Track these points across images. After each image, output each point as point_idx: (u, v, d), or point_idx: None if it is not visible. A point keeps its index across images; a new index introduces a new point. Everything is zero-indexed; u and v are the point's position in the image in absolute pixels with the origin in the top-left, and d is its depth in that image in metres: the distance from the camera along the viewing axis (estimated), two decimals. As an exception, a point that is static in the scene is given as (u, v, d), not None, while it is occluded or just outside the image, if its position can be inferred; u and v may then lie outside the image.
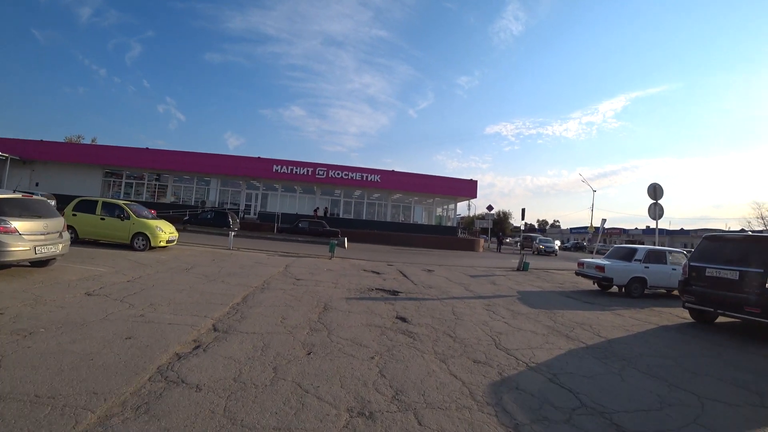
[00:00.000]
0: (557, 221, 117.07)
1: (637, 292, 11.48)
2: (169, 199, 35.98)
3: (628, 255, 11.91)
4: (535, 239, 38.63)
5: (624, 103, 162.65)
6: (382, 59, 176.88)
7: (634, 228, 75.15)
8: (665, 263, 11.74)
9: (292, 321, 6.05)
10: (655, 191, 16.11)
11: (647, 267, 11.52)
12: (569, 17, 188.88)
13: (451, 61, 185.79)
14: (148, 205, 31.31)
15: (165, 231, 14.13)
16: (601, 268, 11.42)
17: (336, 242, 16.56)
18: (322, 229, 26.42)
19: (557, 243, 37.79)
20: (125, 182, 36.34)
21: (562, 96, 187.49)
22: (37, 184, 35.34)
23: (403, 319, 6.64)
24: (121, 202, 14.49)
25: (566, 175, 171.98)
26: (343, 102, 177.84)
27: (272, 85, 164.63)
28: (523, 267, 17.59)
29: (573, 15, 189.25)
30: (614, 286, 11.81)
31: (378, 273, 12.64)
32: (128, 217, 13.75)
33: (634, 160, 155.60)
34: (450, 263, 18.58)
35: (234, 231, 24.91)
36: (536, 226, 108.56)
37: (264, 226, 29.71)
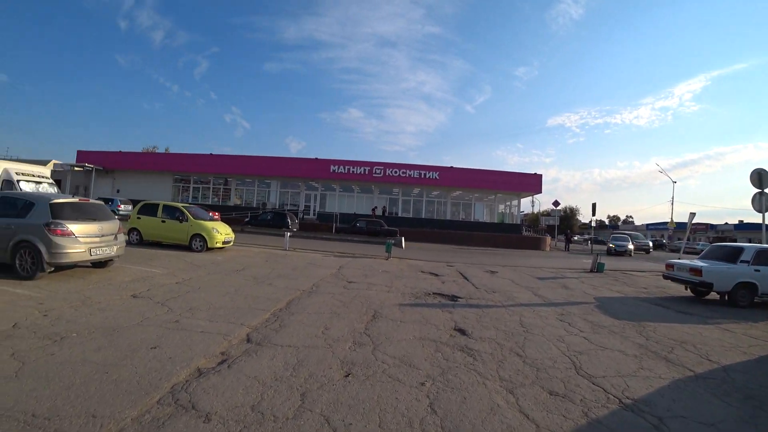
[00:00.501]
0: (630, 217, 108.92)
1: (744, 300, 9.70)
2: (232, 201, 37.19)
3: (732, 255, 10.13)
4: (611, 236, 35.24)
5: (704, 84, 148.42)
6: (436, 56, 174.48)
7: (723, 223, 67.96)
8: (781, 266, 9.87)
9: (334, 332, 5.38)
10: (760, 178, 13.84)
11: (758, 270, 9.69)
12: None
13: (507, 52, 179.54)
14: (212, 207, 32.53)
15: (221, 232, 14.15)
16: (697, 270, 9.77)
17: (393, 242, 15.87)
18: (379, 229, 25.88)
19: (651, 241, 33.39)
20: (193, 187, 38.05)
21: (631, 81, 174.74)
22: (118, 191, 38.00)
23: (462, 332, 5.76)
24: (179, 204, 14.73)
25: (639, 167, 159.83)
26: (399, 101, 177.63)
27: (329, 89, 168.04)
28: (597, 268, 15.92)
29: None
30: (713, 293, 10.09)
31: (436, 275, 11.77)
32: (186, 219, 13.93)
33: (718, 146, 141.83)
34: (514, 263, 17.26)
35: (292, 231, 25.12)
36: (607, 223, 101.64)
37: (322, 227, 29.73)
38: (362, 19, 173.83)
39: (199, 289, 7.68)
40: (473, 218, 36.37)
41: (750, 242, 55.16)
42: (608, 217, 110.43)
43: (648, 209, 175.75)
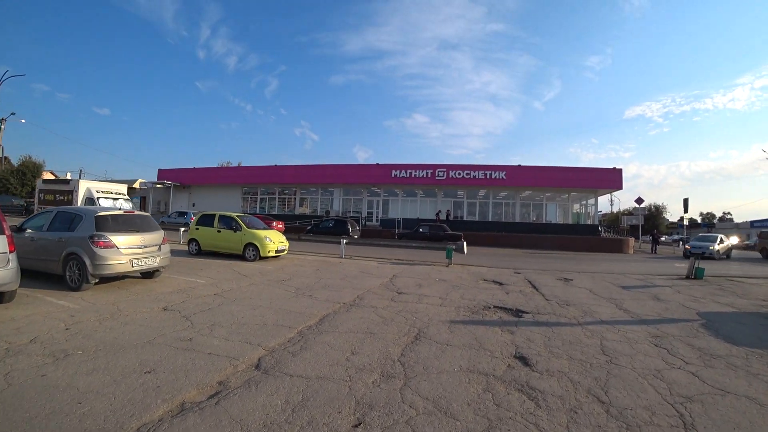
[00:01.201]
0: (728, 213, 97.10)
1: None
2: (297, 210, 37.76)
3: None
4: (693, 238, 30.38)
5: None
6: (500, 54, 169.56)
7: None
8: None
9: (362, 357, 4.47)
10: None
11: None
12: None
13: (577, 42, 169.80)
14: (278, 217, 33.18)
15: (274, 241, 13.86)
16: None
17: (454, 247, 14.67)
18: (443, 234, 24.65)
19: (730, 240, 28.14)
20: (260, 197, 39.21)
21: (723, 59, 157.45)
22: (194, 204, 40.22)
23: (524, 361, 4.57)
24: (234, 214, 14.67)
25: (737, 156, 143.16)
26: (464, 104, 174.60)
27: (393, 97, 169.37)
28: (696, 274, 13.58)
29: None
30: None
31: (500, 284, 10.47)
32: (240, 229, 13.83)
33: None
34: (592, 269, 15.31)
35: (353, 238, 24.62)
36: (699, 221, 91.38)
37: (385, 233, 29.09)
38: (422, 23, 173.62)
39: (233, 301, 7.24)
40: (545, 219, 33.87)
41: None
42: (701, 214, 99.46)
43: (749, 204, 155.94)
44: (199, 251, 14.49)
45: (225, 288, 8.46)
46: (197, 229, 14.74)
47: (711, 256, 23.59)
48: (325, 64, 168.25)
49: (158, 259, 8.73)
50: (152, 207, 41.99)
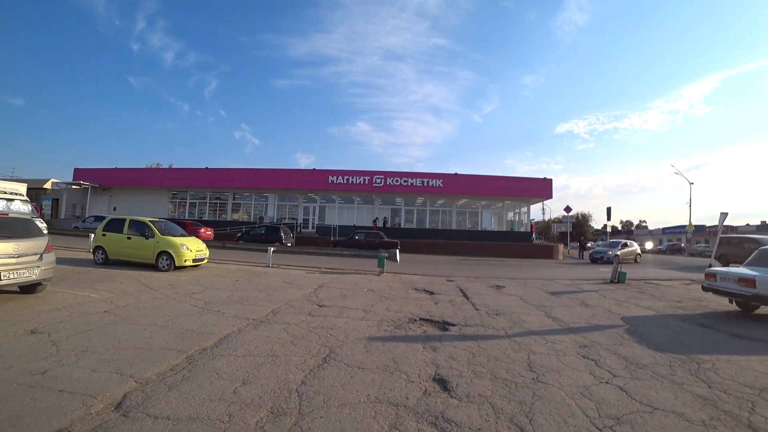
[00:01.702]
0: (644, 222, 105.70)
1: (808, 315, 7.87)
2: (229, 216, 35.80)
3: (789, 261, 8.28)
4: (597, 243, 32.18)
5: (714, 85, 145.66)
6: (443, 67, 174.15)
7: (744, 224, 64.80)
8: None
9: (253, 388, 3.72)
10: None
11: (824, 278, 7.86)
12: None
13: (514, 61, 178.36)
14: (207, 223, 31.26)
15: (191, 249, 12.61)
16: (749, 281, 7.89)
17: (386, 255, 14.14)
18: (379, 241, 24.18)
19: (635, 246, 28.99)
20: (189, 202, 36.81)
21: (639, 85, 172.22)
22: (114, 209, 37.02)
23: (443, 384, 4.02)
24: (147, 219, 13.22)
25: (650, 171, 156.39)
26: (407, 113, 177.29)
27: (337, 103, 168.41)
28: (618, 278, 14.01)
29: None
30: (764, 307, 8.23)
31: (431, 293, 10.03)
32: (152, 236, 12.44)
33: (730, 147, 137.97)
34: (525, 275, 15.42)
35: (286, 246, 23.50)
36: (620, 228, 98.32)
37: (321, 240, 28.17)
38: (369, 33, 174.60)
39: (124, 319, 6.18)
40: (480, 227, 34.44)
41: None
42: (621, 222, 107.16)
43: (661, 214, 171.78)
44: (106, 260, 12.90)
45: (120, 304, 7.30)
46: (104, 235, 13.13)
47: (609, 261, 24.77)
48: (269, 67, 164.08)
49: (37, 270, 7.38)
50: (66, 211, 38.15)
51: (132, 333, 5.43)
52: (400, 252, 24.94)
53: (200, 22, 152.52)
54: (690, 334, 6.66)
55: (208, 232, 27.40)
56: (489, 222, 35.83)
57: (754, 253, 9.53)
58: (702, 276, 17.45)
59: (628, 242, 28.74)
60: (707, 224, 67.28)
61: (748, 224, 64.99)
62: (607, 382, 4.23)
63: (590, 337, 6.14)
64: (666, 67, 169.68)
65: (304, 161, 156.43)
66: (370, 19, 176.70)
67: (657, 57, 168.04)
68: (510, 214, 37.64)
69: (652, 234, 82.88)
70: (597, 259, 26.05)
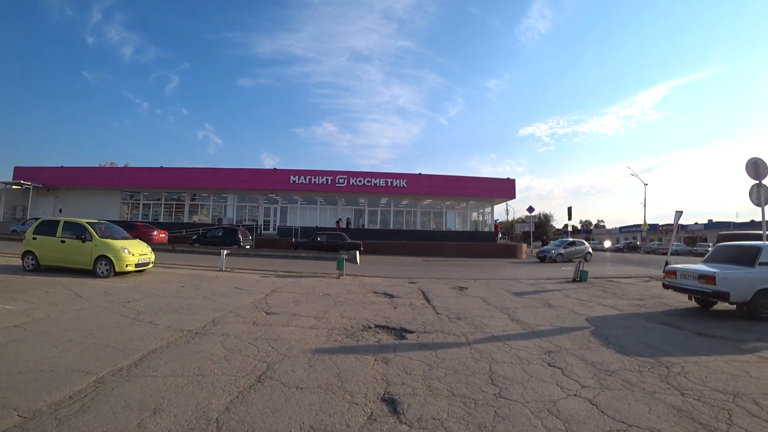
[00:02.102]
0: (602, 221, 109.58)
1: (767, 311, 7.83)
2: (186, 218, 34.21)
3: (748, 257, 8.22)
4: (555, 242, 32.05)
5: (664, 93, 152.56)
6: (409, 69, 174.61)
7: (693, 223, 67.91)
8: (806, 266, 8.08)
9: (164, 419, 3.09)
10: (757, 168, 12.19)
11: (780, 274, 7.87)
12: (599, 8, 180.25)
13: (479, 65, 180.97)
14: (163, 225, 29.77)
15: (134, 253, 11.58)
16: (709, 278, 7.80)
17: (346, 257, 13.54)
18: (341, 242, 23.50)
19: (587, 244, 29.09)
20: (143, 203, 34.96)
21: (597, 91, 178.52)
22: (60, 210, 34.72)
23: (393, 405, 3.48)
24: (84, 221, 12.07)
25: (607, 173, 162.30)
26: (374, 115, 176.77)
27: (303, 104, 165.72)
28: (581, 277, 13.97)
29: (603, 5, 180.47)
30: (721, 303, 8.15)
31: (391, 296, 9.53)
32: (90, 239, 11.32)
33: (680, 151, 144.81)
34: (489, 276, 15.18)
35: (245, 249, 22.53)
36: (579, 228, 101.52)
37: (282, 242, 27.26)
38: (336, 34, 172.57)
39: (36, 335, 5.36)
40: (445, 227, 34.32)
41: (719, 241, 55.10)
42: (581, 222, 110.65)
43: (618, 213, 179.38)
44: (37, 267, 11.67)
45: (38, 316, 6.39)
46: (34, 239, 11.86)
47: (554, 260, 25.74)
48: (233, 65, 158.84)
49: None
50: (5, 213, 35.45)
51: (38, 351, 4.63)
52: (362, 253, 24.53)
53: (161, 16, 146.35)
54: (655, 334, 6.42)
55: (162, 235, 26.00)
56: (453, 222, 35.78)
57: (712, 249, 9.54)
58: (659, 273, 17.88)
59: (577, 241, 28.88)
60: (660, 223, 70.24)
61: (696, 222, 68.08)
62: (575, 395, 3.81)
63: (555, 341, 5.77)
64: (621, 75, 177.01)
65: (269, 162, 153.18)
66: (338, 19, 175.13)
67: (613, 65, 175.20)
68: (474, 215, 37.76)
69: (609, 233, 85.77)
70: (543, 258, 26.36)
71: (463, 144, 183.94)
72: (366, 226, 32.68)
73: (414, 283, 12.15)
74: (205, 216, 34.66)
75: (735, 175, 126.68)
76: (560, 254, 26.42)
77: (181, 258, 16.40)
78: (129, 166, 52.60)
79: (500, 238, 34.95)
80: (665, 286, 9.07)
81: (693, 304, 9.32)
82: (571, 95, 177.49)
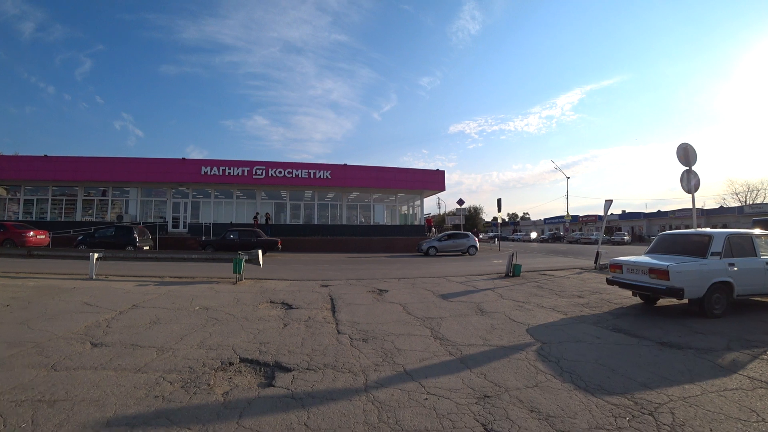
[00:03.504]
0: (527, 214, 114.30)
1: (720, 307, 6.80)
2: (79, 216, 29.60)
3: (698, 247, 7.17)
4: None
5: (580, 96, 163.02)
6: (343, 64, 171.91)
7: (609, 214, 72.01)
8: (755, 255, 7.17)
9: None
10: (687, 154, 11.64)
11: (732, 264, 6.85)
12: (524, 15, 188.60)
13: (412, 62, 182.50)
14: (46, 225, 25.48)
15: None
16: (661, 272, 6.58)
17: (245, 258, 11.26)
18: (256, 240, 20.94)
19: (473, 237, 25.96)
20: (24, 199, 29.81)
21: (522, 92, 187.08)
22: None
23: None
24: None
25: (531, 169, 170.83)
26: (306, 109, 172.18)
27: (232, 95, 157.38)
28: (513, 271, 12.79)
29: (527, 13, 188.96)
30: (661, 298, 7.07)
31: (289, 306, 7.55)
32: None
33: (594, 150, 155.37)
34: (415, 273, 13.60)
35: (141, 250, 19.38)
36: (507, 220, 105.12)
37: (191, 241, 24.14)
38: (267, 23, 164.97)
39: None
40: (373, 222, 32.50)
41: (634, 231, 58.14)
42: (508, 214, 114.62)
43: (540, 206, 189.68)
44: None
45: None
46: None
47: (427, 254, 23.46)
48: (155, 51, 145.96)
49: None
50: None
51: None
52: (280, 251, 22.18)
53: None
54: (614, 349, 4.95)
55: (41, 236, 21.88)
56: (382, 216, 34.19)
57: (656, 239, 8.48)
58: (589, 263, 17.39)
59: (456, 234, 26.08)
60: (581, 214, 73.85)
61: (611, 213, 72.21)
62: None
63: (493, 374, 4.07)
64: (543, 78, 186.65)
65: (196, 155, 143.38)
66: (269, 7, 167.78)
67: (536, 68, 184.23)
68: (404, 208, 36.53)
69: (535, 225, 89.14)
70: (421, 252, 23.95)
71: (396, 139, 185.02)
72: (288, 222, 30.11)
73: (327, 286, 10.22)
74: (102, 213, 30.23)
75: (642, 171, 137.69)
76: (433, 247, 23.74)
77: (40, 265, 13.20)
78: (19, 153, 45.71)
79: (433, 232, 33.85)
80: (610, 282, 7.85)
81: (636, 300, 8.24)
82: (498, 95, 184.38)
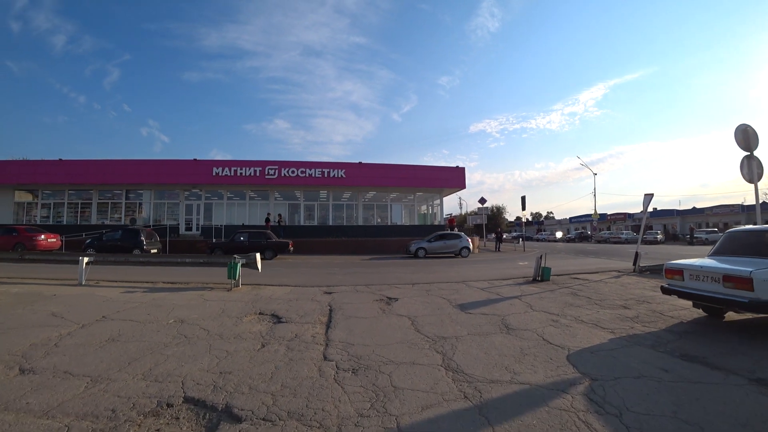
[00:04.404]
0: (551, 213, 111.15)
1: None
2: (94, 219, 29.33)
3: (782, 246, 5.73)
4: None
5: (604, 92, 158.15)
6: (362, 65, 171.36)
7: (639, 211, 68.88)
8: None
9: None
10: (747, 137, 10.03)
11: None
12: (544, 10, 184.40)
13: (431, 62, 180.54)
14: (62, 228, 25.21)
15: None
16: (742, 280, 5.16)
17: (242, 262, 10.20)
18: (266, 242, 20.01)
19: (465, 238, 23.48)
20: (42, 203, 29.73)
21: (543, 89, 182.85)
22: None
23: None
24: None
25: (554, 167, 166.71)
26: (326, 111, 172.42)
27: (254, 99, 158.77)
28: (542, 275, 11.40)
29: (547, 8, 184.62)
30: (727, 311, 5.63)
31: (277, 320, 6.43)
32: None
33: (619, 146, 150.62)
34: (432, 277, 12.33)
35: (149, 253, 18.69)
36: (530, 219, 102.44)
37: (202, 244, 23.34)
38: (287, 27, 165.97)
39: None
40: (390, 222, 31.22)
41: (666, 229, 55.07)
42: (531, 213, 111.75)
43: (564, 205, 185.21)
44: None
45: None
46: None
47: (417, 256, 21.63)
48: (178, 58, 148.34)
49: None
50: None
51: None
52: (291, 253, 21.16)
53: (96, 2, 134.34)
54: (693, 392, 3.59)
55: (52, 240, 21.51)
56: (399, 216, 32.86)
57: (721, 238, 6.99)
58: (625, 265, 15.79)
59: (448, 234, 23.88)
60: (608, 213, 71.03)
61: (642, 211, 69.13)
62: None
63: (526, 434, 2.82)
64: (565, 74, 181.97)
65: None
66: (288, 12, 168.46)
67: (558, 65, 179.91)
68: (423, 208, 35.15)
69: (560, 224, 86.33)
70: (409, 254, 22.21)
71: (416, 140, 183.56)
72: (302, 223, 29.14)
73: (330, 293, 9.07)
74: (117, 215, 29.87)
75: (670, 167, 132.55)
76: (422, 249, 22.04)
77: (33, 270, 12.48)
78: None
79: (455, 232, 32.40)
80: (666, 291, 6.42)
81: (697, 312, 6.81)
82: (520, 93, 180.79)
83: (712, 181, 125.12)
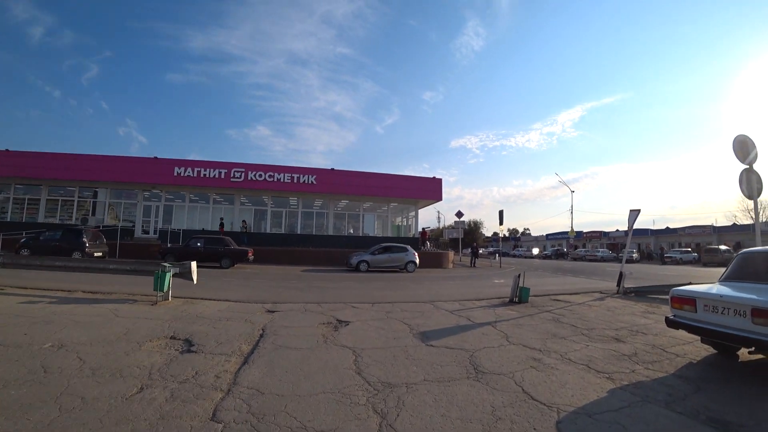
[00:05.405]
0: (527, 229, 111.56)
1: None
2: (42, 217, 26.99)
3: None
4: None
5: (581, 113, 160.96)
6: (347, 76, 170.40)
7: (614, 230, 69.09)
8: None
9: None
10: (745, 148, 9.12)
11: None
12: (527, 33, 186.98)
13: (416, 77, 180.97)
14: (7, 226, 23.04)
15: None
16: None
17: (173, 271, 8.69)
18: (224, 249, 18.37)
19: (411, 251, 21.61)
20: (-24, 198, 27.21)
21: (523, 108, 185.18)
22: None
23: None
24: None
25: (532, 185, 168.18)
26: (310, 120, 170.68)
27: (237, 105, 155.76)
28: (520, 296, 10.22)
29: (530, 30, 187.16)
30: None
31: (186, 349, 5.00)
32: None
33: (594, 167, 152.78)
34: (396, 295, 11.00)
35: (91, 257, 16.88)
36: (507, 235, 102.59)
37: (155, 249, 21.46)
38: (274, 34, 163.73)
39: None
40: (362, 233, 29.78)
41: (641, 248, 54.99)
42: (508, 229, 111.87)
43: (541, 222, 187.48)
44: None
45: None
46: None
47: (359, 269, 19.82)
48: (162, 59, 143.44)
49: None
50: None
51: None
52: (251, 263, 19.52)
53: None
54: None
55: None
56: (372, 227, 31.43)
57: (735, 260, 5.86)
58: (607, 286, 14.80)
59: (394, 246, 22.04)
60: (584, 231, 71.16)
61: (617, 230, 69.13)
62: None
63: None
64: (544, 95, 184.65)
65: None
66: (276, 19, 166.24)
67: (538, 85, 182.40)
68: (398, 219, 33.89)
69: (537, 240, 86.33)
70: (350, 267, 20.38)
71: (397, 153, 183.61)
72: (269, 230, 27.44)
73: (272, 311, 7.64)
74: (67, 214, 27.58)
75: (642, 188, 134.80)
76: (364, 262, 20.19)
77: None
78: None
79: (429, 246, 31.13)
80: (672, 324, 5.22)
81: (704, 348, 5.67)
82: (500, 111, 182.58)
83: (681, 203, 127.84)
